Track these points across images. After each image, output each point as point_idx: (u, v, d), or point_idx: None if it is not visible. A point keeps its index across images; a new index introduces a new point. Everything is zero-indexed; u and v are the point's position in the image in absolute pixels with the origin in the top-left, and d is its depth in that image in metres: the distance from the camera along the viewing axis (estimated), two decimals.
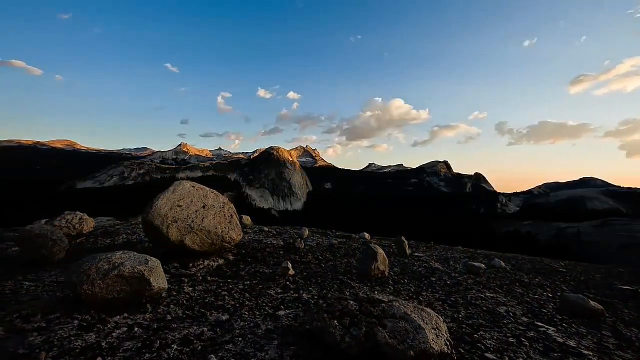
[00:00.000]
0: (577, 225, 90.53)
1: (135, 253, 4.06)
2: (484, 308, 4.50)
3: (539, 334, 3.64)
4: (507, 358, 3.02)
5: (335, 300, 3.30)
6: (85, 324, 3.17)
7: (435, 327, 2.91)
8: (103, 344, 2.82)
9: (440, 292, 5.07)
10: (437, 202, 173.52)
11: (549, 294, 5.43)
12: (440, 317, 3.08)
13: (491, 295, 5.10)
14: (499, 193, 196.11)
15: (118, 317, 3.39)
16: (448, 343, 2.87)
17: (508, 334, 3.60)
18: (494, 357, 3.00)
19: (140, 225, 11.44)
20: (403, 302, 3.21)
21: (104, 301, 3.61)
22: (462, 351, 3.06)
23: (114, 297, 3.66)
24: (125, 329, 3.13)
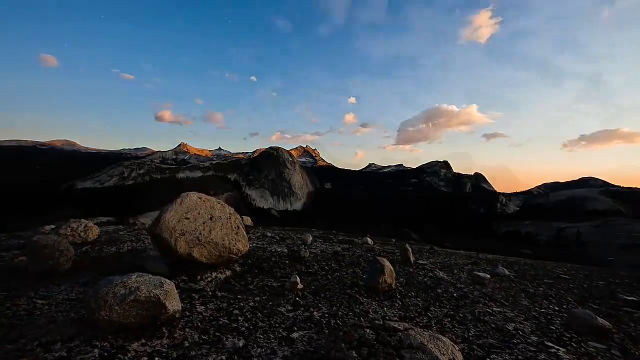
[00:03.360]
0: (577, 226, 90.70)
1: (150, 276, 4.10)
2: (493, 325, 4.57)
3: (549, 357, 3.71)
4: None
5: (351, 328, 3.35)
6: (106, 353, 3.21)
7: (451, 357, 2.97)
8: None
9: (448, 306, 5.15)
10: (437, 202, 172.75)
11: (555, 307, 5.52)
12: (455, 347, 3.14)
13: (498, 309, 5.18)
14: (499, 193, 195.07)
15: (136, 344, 3.43)
16: None
17: (520, 357, 3.66)
18: None
19: (144, 231, 11.49)
20: (419, 330, 3.26)
21: (121, 326, 3.65)
22: None
23: (130, 321, 3.70)
24: (145, 359, 3.17)
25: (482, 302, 5.45)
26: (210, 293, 5.21)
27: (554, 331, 4.51)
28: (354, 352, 3.00)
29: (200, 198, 6.62)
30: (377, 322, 3.47)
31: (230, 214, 6.96)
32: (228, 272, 6.34)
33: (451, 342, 3.18)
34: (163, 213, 6.05)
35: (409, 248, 7.88)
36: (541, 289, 6.47)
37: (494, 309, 5.21)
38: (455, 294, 5.82)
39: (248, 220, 16.33)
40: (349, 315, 4.53)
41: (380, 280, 5.63)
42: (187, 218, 6.08)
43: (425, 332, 3.22)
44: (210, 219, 6.41)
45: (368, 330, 3.24)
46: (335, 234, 13.29)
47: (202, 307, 4.62)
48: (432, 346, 2.98)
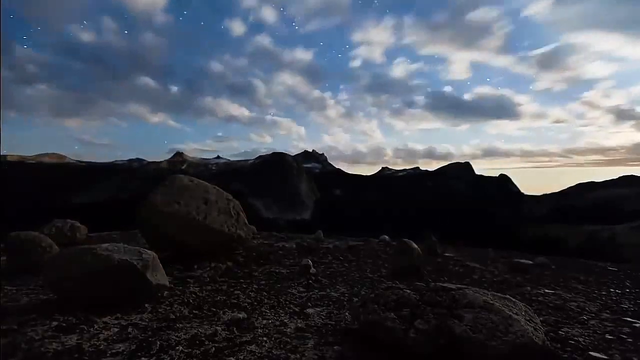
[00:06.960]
0: (613, 228, 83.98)
1: (125, 245, 3.38)
2: (551, 305, 3.73)
3: (636, 331, 2.89)
4: (617, 356, 2.29)
5: (385, 290, 2.58)
6: (65, 324, 2.48)
7: (529, 317, 2.18)
8: (86, 346, 2.13)
9: (490, 290, 4.30)
10: (458, 206, 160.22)
11: (617, 290, 4.64)
12: (529, 307, 2.36)
13: (550, 291, 4.32)
14: (526, 195, 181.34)
15: (108, 317, 2.69)
16: (548, 337, 2.14)
17: (598, 331, 2.84)
18: (603, 357, 2.26)
19: (139, 234, 10.72)
20: (477, 289, 2.50)
21: (91, 300, 2.92)
22: (556, 350, 2.32)
23: (102, 295, 2.96)
24: (116, 329, 2.44)
25: (530, 286, 4.60)
26: (209, 279, 4.45)
27: (627, 309, 3.66)
28: (392, 313, 2.23)
29: (191, 181, 5.95)
30: (419, 284, 2.70)
31: (228, 199, 6.26)
32: (229, 263, 5.55)
33: (523, 303, 2.41)
34: (149, 195, 5.40)
35: (435, 239, 7.05)
36: (591, 277, 5.58)
37: (545, 291, 4.36)
38: (495, 279, 4.98)
39: (252, 230, 15.56)
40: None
41: (408, 263, 4.82)
42: (177, 202, 5.38)
43: (486, 291, 2.45)
44: (205, 203, 5.71)
45: (409, 291, 2.47)
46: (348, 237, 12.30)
47: (197, 288, 3.87)
48: (500, 304, 2.20)
